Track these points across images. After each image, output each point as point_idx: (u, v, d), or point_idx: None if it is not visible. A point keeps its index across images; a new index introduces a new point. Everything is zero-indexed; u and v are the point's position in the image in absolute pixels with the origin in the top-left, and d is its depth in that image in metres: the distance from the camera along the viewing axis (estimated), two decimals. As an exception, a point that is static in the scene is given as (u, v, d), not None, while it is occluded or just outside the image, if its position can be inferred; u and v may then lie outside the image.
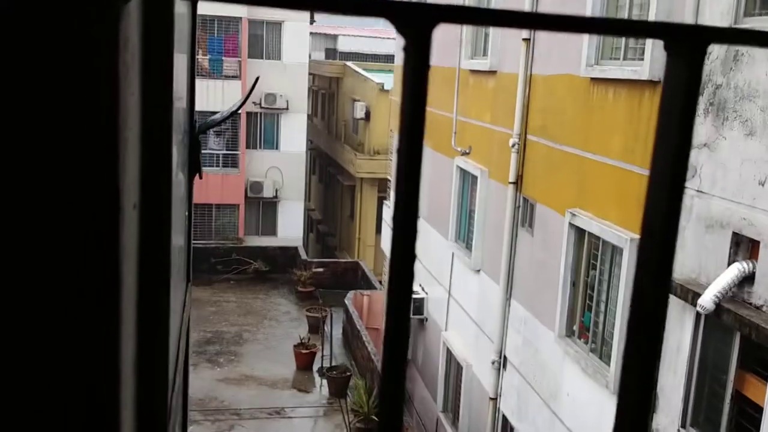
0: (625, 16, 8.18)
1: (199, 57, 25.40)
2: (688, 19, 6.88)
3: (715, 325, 6.47)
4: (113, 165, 0.53)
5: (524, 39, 10.35)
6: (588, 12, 8.62)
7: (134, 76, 0.65)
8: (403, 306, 0.53)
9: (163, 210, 0.76)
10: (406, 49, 0.56)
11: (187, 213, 1.60)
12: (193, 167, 1.64)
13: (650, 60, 7.47)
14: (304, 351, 17.85)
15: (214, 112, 25.57)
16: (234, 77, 25.76)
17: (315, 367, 17.86)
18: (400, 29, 0.55)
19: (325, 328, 18.72)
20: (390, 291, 0.54)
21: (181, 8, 1.29)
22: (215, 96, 24.65)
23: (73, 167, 0.51)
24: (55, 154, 0.51)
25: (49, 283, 0.52)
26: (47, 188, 0.51)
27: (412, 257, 0.55)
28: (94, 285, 0.53)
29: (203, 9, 24.64)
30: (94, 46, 0.50)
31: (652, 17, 7.41)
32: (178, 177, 1.54)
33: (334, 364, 17.49)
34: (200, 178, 1.74)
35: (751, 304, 6.02)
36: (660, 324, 0.61)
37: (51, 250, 0.51)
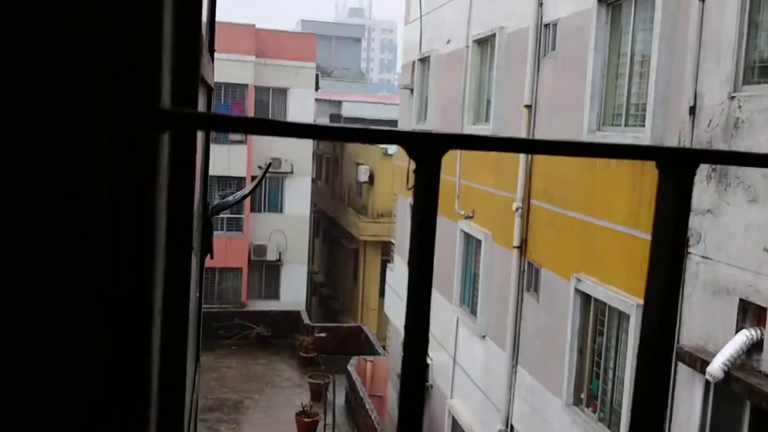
0: (625, 86, 8.36)
1: (206, 122, 25.77)
2: (688, 88, 7.03)
3: (725, 394, 6.39)
4: (150, 276, 0.57)
5: (526, 105, 10.54)
6: (588, 81, 8.80)
7: (162, 195, 0.70)
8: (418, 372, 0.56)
9: (182, 313, 0.80)
10: (417, 171, 0.61)
11: (198, 294, 1.63)
12: (205, 250, 1.68)
13: (651, 126, 7.59)
14: (306, 419, 17.54)
15: (221, 177, 25.58)
16: (240, 142, 26.13)
17: (318, 435, 17.52)
18: (413, 155, 0.59)
19: (328, 395, 18.45)
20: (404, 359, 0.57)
21: (201, 102, 1.36)
22: (221, 161, 24.94)
23: (117, 278, 0.55)
24: (101, 270, 0.54)
25: (79, 388, 0.55)
26: (93, 300, 0.55)
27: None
28: (124, 391, 0.56)
29: (211, 76, 25.11)
30: (138, 173, 0.54)
31: (651, 87, 7.56)
32: (192, 261, 1.57)
33: (337, 432, 17.18)
34: (212, 258, 1.78)
35: (760, 371, 5.96)
36: (665, 399, 0.64)
37: (88, 352, 0.54)
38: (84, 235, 0.51)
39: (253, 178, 26.71)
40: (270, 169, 26.78)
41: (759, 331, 5.94)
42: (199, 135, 1.55)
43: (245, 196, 3.06)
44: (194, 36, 0.81)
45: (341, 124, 0.61)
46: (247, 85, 26.21)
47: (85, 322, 0.51)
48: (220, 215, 26.46)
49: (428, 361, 14.57)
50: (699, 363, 6.38)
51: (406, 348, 0.58)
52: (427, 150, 0.58)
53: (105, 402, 0.52)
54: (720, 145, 6.67)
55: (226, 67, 25.37)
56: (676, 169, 0.65)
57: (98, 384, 0.52)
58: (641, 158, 0.66)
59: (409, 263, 0.62)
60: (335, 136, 0.60)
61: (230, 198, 3.22)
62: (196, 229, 1.48)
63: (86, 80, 0.49)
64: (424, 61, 15.78)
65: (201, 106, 1.30)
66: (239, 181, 26.12)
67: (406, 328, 0.61)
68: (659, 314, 0.66)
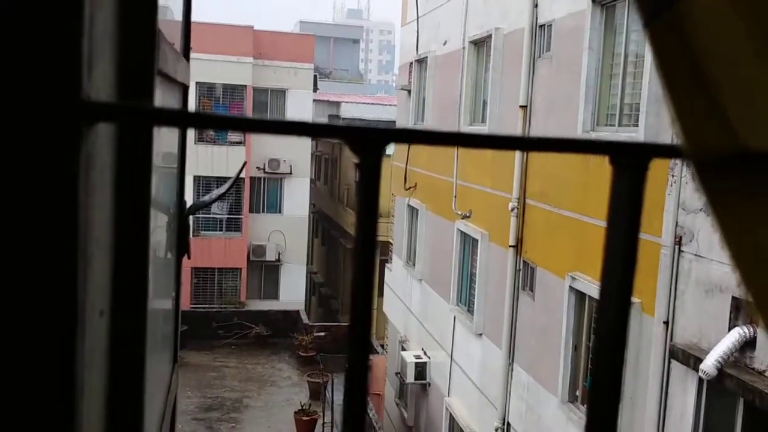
0: (619, 86, 8.35)
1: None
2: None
3: (718, 391, 6.39)
4: (71, 278, 0.54)
5: (521, 106, 10.53)
6: (582, 82, 8.79)
7: (104, 188, 0.67)
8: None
9: (138, 312, 0.78)
10: (359, 165, 0.59)
11: (174, 294, 1.62)
12: (182, 249, 1.66)
13: (645, 126, 7.58)
14: (305, 418, 17.56)
15: (219, 177, 25.47)
16: (238, 143, 26.11)
17: (316, 435, 17.53)
18: (354, 150, 0.58)
19: (327, 394, 18.45)
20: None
21: (171, 101, 1.34)
22: (219, 162, 24.94)
23: (27, 280, 0.53)
24: (4, 276, 0.52)
25: None
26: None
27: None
28: (47, 402, 0.54)
29: (209, 77, 25.17)
30: (51, 173, 0.52)
31: (645, 87, 7.55)
32: (167, 259, 1.56)
33: (335, 431, 17.18)
34: (188, 258, 1.76)
35: (753, 369, 5.96)
36: (619, 392, 0.62)
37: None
38: None
39: (252, 179, 26.70)
40: (269, 170, 26.78)
41: (752, 329, 5.93)
42: (174, 133, 1.53)
43: (221, 195, 3.06)
44: (147, 30, 0.80)
45: (280, 119, 0.59)
46: (245, 87, 26.19)
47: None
48: (219, 215, 26.45)
49: (426, 359, 14.62)
50: (692, 360, 6.38)
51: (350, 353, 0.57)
52: (368, 144, 0.57)
53: (21, 405, 0.50)
54: (714, 144, 6.66)
55: (225, 69, 25.36)
56: (629, 164, 0.64)
57: (13, 387, 0.50)
58: (595, 152, 0.65)
59: (353, 257, 0.61)
60: (274, 130, 0.59)
61: (206, 197, 3.21)
62: (171, 228, 1.46)
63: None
64: (422, 62, 15.77)
65: (167, 103, 1.28)
66: (237, 182, 26.10)
67: (349, 329, 0.59)
68: (613, 312, 0.65)
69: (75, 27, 0.49)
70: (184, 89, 1.59)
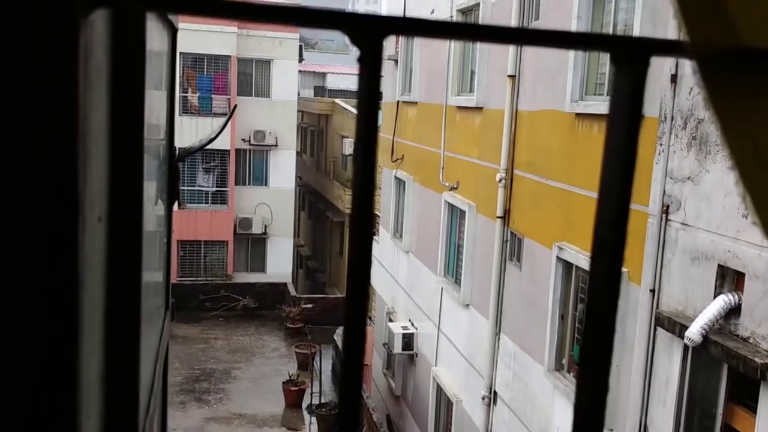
0: (611, 21, 8.31)
1: (189, 95, 25.55)
2: (673, 28, 7.00)
3: (703, 358, 6.47)
4: (72, 177, 0.53)
5: (510, 76, 10.49)
6: (574, 12, 8.72)
7: (100, 90, 0.66)
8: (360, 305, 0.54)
9: (133, 221, 0.77)
10: (360, 59, 0.58)
11: (166, 240, 1.61)
12: (172, 195, 1.65)
13: (633, 95, 7.56)
14: (293, 388, 17.68)
15: (205, 150, 25.12)
16: (224, 114, 25.90)
17: (304, 405, 17.67)
18: (354, 40, 0.57)
19: (315, 364, 18.57)
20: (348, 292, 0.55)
21: (160, 43, 1.32)
22: (205, 133, 24.72)
23: (28, 180, 0.52)
24: (7, 167, 0.51)
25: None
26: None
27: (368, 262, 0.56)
28: (51, 302, 0.53)
29: (193, 48, 24.87)
30: (51, 60, 0.51)
31: (637, 22, 7.50)
32: (158, 204, 1.55)
33: (323, 401, 17.31)
34: (179, 207, 1.75)
35: (738, 335, 6.04)
36: (612, 329, 0.62)
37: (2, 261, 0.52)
38: None
39: (238, 151, 26.54)
40: (255, 142, 26.61)
41: (736, 296, 6.00)
42: (164, 53, 1.51)
43: (211, 141, 3.06)
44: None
45: (276, 2, 0.57)
46: (229, 57, 25.92)
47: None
48: (205, 188, 26.31)
49: (413, 330, 14.71)
50: (678, 328, 6.45)
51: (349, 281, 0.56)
52: (368, 33, 0.56)
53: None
54: (701, 113, 6.68)
55: (208, 39, 25.06)
56: (630, 59, 0.63)
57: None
58: (595, 48, 0.64)
59: (354, 161, 0.60)
60: (268, 18, 0.57)
61: (195, 143, 3.20)
62: (161, 171, 1.45)
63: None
64: (409, 31, 15.63)
65: (164, 47, 1.26)
66: (223, 154, 25.96)
67: (350, 226, 0.58)
68: (613, 217, 0.64)
69: None
70: (173, 31, 1.56)
